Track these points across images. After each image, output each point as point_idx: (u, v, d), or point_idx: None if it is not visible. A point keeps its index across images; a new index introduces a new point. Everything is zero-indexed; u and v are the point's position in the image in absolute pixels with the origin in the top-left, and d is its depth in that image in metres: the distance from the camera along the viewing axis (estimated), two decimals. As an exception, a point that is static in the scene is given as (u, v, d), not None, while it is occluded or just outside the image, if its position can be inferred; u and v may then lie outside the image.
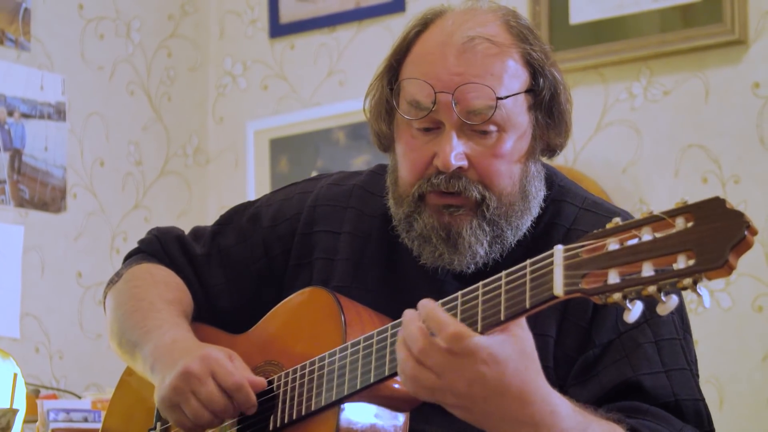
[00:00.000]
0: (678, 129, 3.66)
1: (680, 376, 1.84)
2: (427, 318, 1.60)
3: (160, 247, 2.18)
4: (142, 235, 2.26)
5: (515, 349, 1.58)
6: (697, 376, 1.90)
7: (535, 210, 1.94)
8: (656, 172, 3.68)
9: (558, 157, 2.03)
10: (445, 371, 1.59)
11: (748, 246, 1.41)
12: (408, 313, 1.64)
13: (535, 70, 1.91)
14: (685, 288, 1.42)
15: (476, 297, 1.63)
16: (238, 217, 2.17)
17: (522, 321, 1.60)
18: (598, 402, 1.79)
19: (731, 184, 3.56)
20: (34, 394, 3.53)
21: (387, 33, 4.15)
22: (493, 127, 1.87)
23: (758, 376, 3.48)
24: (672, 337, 1.86)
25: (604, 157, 3.75)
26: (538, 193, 1.94)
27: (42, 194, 3.99)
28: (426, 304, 1.62)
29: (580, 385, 1.84)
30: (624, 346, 1.84)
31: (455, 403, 1.61)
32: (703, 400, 1.86)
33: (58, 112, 4.06)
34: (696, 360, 1.92)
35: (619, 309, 1.83)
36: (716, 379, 3.52)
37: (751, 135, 3.55)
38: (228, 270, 2.13)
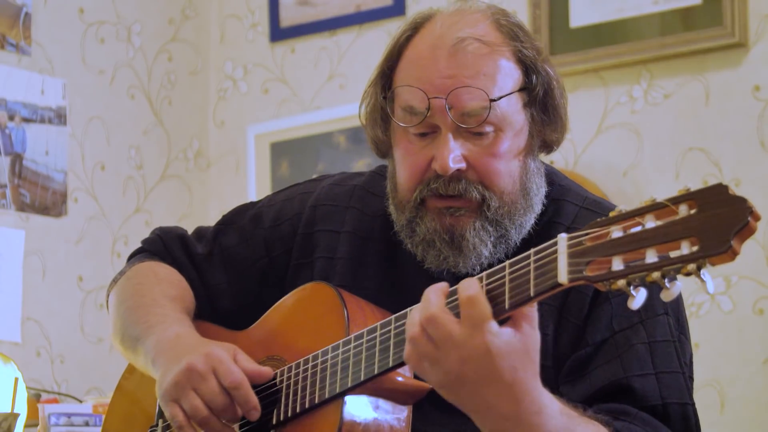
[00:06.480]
0: (678, 132, 3.66)
1: (670, 379, 1.83)
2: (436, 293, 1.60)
3: (163, 246, 2.19)
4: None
5: (520, 348, 1.57)
6: (691, 379, 1.89)
7: (537, 207, 1.93)
8: (657, 175, 3.67)
9: (557, 157, 2.03)
10: (445, 343, 1.58)
11: (752, 231, 1.42)
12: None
13: (527, 68, 1.90)
14: (689, 274, 1.42)
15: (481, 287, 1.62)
16: (240, 218, 2.17)
17: (534, 318, 1.59)
18: (587, 401, 1.79)
19: (732, 187, 3.56)
20: (35, 398, 3.53)
21: (387, 37, 4.13)
22: (489, 128, 1.87)
23: (759, 379, 3.48)
24: (666, 339, 1.85)
25: (604, 161, 3.75)
26: (539, 190, 1.94)
27: (43, 198, 3.99)
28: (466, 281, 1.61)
29: (571, 383, 1.84)
30: (617, 346, 1.84)
31: (443, 380, 1.60)
32: (693, 404, 1.85)
33: (59, 116, 4.06)
34: (691, 362, 1.91)
35: (615, 308, 1.84)
36: (717, 383, 3.52)
37: (751, 138, 3.55)
38: (230, 269, 2.13)
